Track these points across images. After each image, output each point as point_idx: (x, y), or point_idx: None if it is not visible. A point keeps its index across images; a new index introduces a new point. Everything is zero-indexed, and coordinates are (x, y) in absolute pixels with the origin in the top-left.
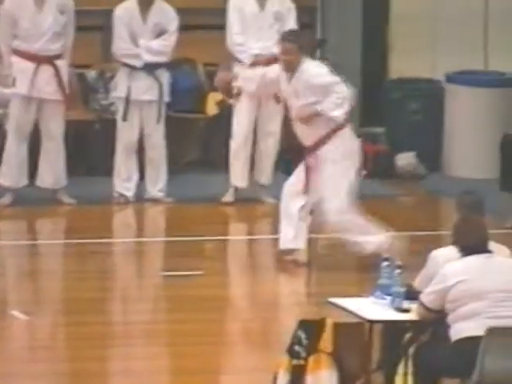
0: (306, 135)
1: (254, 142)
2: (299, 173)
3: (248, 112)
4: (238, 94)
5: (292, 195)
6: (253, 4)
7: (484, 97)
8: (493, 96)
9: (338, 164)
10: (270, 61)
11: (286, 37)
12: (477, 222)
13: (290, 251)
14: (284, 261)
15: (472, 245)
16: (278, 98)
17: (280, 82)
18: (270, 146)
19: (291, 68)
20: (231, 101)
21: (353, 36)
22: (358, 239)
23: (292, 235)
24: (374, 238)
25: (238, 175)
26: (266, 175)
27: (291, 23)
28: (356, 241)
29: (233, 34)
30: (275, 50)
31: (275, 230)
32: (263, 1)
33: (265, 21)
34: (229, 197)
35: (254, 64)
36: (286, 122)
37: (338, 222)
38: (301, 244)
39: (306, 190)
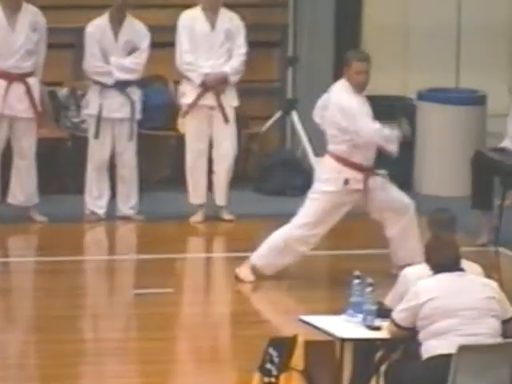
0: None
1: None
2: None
3: (199, 130)
4: (186, 113)
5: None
6: (203, 22)
7: (455, 114)
8: (464, 114)
9: None
10: (220, 79)
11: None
12: (449, 240)
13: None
14: (257, 278)
15: (444, 263)
16: (226, 118)
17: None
18: (223, 168)
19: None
20: (179, 119)
21: (325, 53)
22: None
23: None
24: None
25: (195, 192)
26: (220, 197)
27: (241, 41)
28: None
29: (182, 52)
30: (225, 68)
31: (244, 247)
32: (213, 19)
33: (215, 39)
34: (198, 216)
35: (203, 83)
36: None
37: None
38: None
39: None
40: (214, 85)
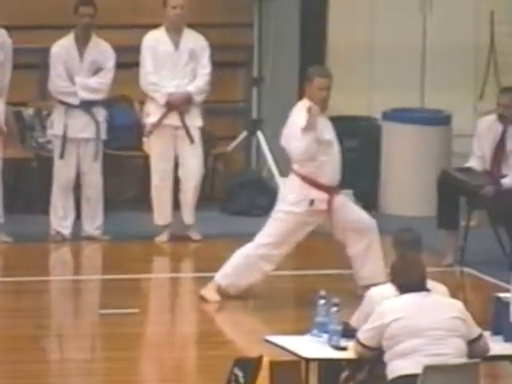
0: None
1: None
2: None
3: (164, 151)
4: (150, 132)
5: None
6: (167, 42)
7: (421, 134)
8: (429, 134)
9: None
10: (185, 99)
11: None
12: (414, 260)
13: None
14: (223, 298)
15: (410, 283)
16: (191, 138)
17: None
18: (190, 187)
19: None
20: (144, 139)
21: (290, 74)
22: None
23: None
24: None
25: (161, 213)
26: (188, 216)
27: (205, 61)
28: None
29: (146, 73)
30: (190, 88)
31: (210, 267)
32: (177, 39)
33: (179, 59)
34: (163, 236)
35: (168, 103)
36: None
37: None
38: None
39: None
40: (178, 104)
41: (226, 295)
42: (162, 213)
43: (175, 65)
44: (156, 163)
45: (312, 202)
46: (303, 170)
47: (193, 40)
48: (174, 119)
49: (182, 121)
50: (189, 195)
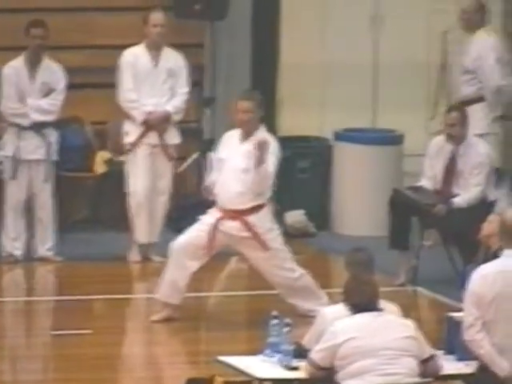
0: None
1: None
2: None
3: (143, 168)
4: (129, 150)
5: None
6: (146, 59)
7: (372, 154)
8: (381, 153)
9: None
10: (163, 118)
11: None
12: (366, 280)
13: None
14: (172, 319)
15: (362, 303)
16: (170, 156)
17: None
18: (159, 204)
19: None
20: (122, 158)
21: None
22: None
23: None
24: None
25: (142, 231)
26: (154, 233)
27: (183, 80)
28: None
29: (125, 90)
30: (168, 107)
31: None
32: (157, 57)
33: (158, 77)
34: (135, 255)
35: (145, 121)
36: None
37: None
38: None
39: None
40: (156, 124)
41: (178, 312)
42: (142, 231)
43: (154, 82)
44: (135, 180)
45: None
46: None
47: (172, 59)
48: (152, 138)
49: (161, 139)
50: (159, 212)
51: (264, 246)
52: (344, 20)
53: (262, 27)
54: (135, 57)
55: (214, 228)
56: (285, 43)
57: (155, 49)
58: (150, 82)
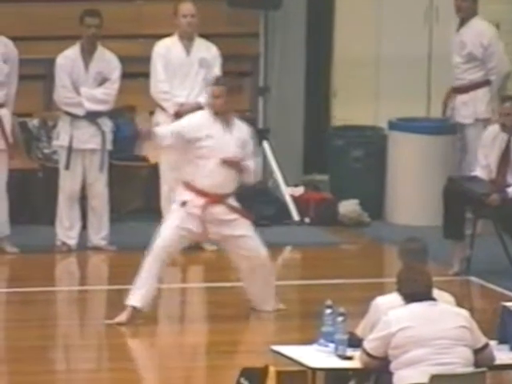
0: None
1: None
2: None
3: (174, 161)
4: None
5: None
6: (179, 51)
7: (426, 144)
8: (435, 143)
9: None
10: (195, 110)
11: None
12: (420, 269)
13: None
14: (225, 309)
15: (415, 292)
16: None
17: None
18: None
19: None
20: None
21: (296, 84)
22: None
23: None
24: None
25: None
26: None
27: (217, 70)
28: None
29: (157, 81)
30: (200, 98)
31: (216, 277)
32: (189, 47)
33: (190, 68)
34: None
35: (177, 113)
36: None
37: None
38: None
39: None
40: (188, 115)
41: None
42: None
43: (186, 73)
44: (166, 173)
45: (184, 203)
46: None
47: (204, 49)
48: None
49: None
50: None
51: (250, 217)
52: (399, 10)
53: (317, 17)
54: (167, 48)
55: (202, 219)
56: (339, 33)
57: (187, 39)
58: (183, 73)
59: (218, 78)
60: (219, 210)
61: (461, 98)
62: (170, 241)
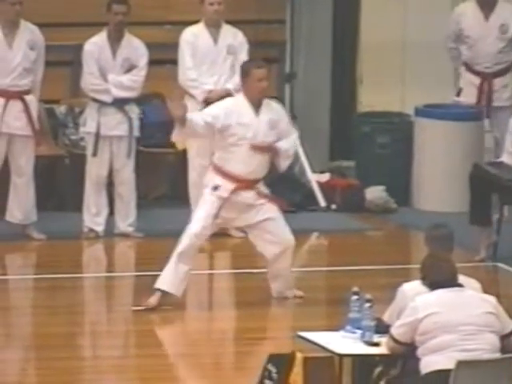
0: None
1: None
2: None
3: (201, 147)
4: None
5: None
6: (206, 38)
7: (453, 130)
8: (462, 129)
9: None
10: (223, 97)
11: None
12: (444, 257)
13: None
14: (251, 295)
15: (441, 280)
16: None
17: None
18: None
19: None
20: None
21: (322, 70)
22: None
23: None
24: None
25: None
26: None
27: (244, 57)
28: None
29: (185, 69)
30: (228, 85)
31: (243, 264)
32: (216, 35)
33: (218, 55)
34: None
35: (206, 100)
36: None
37: None
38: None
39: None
40: (216, 102)
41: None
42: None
43: (214, 60)
44: (194, 159)
45: (216, 188)
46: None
47: (231, 35)
48: None
49: None
50: None
51: (279, 202)
52: None
53: (343, 3)
54: (194, 36)
55: (232, 204)
56: (365, 19)
57: (214, 26)
58: (210, 60)
59: (259, 61)
60: (249, 195)
61: (500, 82)
62: (202, 227)
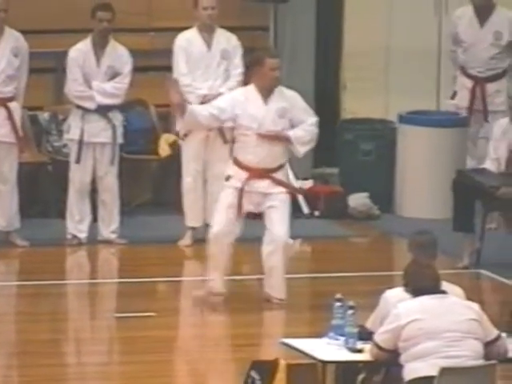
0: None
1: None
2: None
3: (196, 152)
4: (186, 135)
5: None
6: (200, 43)
7: (436, 137)
8: (445, 136)
9: None
10: None
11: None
12: (426, 263)
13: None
14: (235, 302)
15: (424, 286)
16: (224, 138)
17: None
18: (217, 189)
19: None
20: (180, 141)
21: (305, 77)
22: None
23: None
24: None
25: (191, 216)
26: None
27: (237, 61)
28: None
29: (180, 75)
30: (222, 89)
31: (230, 270)
32: (210, 39)
33: (212, 60)
34: (186, 240)
35: (201, 105)
36: None
37: None
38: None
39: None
40: None
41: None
42: (194, 214)
43: (208, 65)
44: (189, 164)
45: (228, 178)
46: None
47: (225, 40)
48: None
49: None
50: (216, 197)
51: (297, 191)
52: (408, 2)
53: (326, 9)
54: (188, 41)
55: (241, 191)
56: (349, 26)
57: (207, 31)
58: (204, 65)
59: (273, 50)
60: (262, 184)
61: (493, 87)
62: (224, 224)
